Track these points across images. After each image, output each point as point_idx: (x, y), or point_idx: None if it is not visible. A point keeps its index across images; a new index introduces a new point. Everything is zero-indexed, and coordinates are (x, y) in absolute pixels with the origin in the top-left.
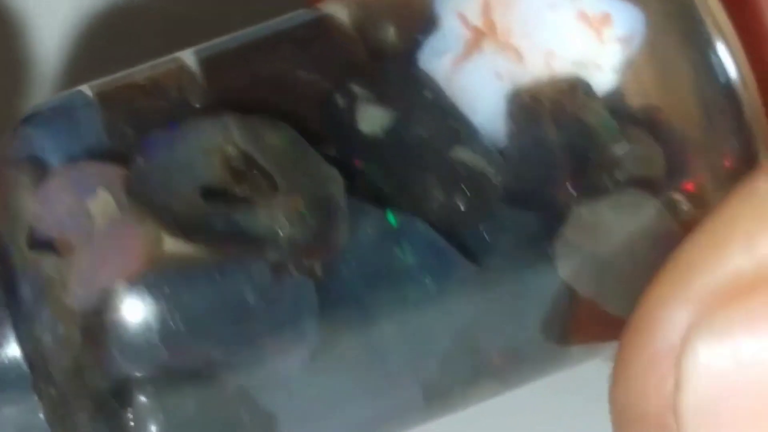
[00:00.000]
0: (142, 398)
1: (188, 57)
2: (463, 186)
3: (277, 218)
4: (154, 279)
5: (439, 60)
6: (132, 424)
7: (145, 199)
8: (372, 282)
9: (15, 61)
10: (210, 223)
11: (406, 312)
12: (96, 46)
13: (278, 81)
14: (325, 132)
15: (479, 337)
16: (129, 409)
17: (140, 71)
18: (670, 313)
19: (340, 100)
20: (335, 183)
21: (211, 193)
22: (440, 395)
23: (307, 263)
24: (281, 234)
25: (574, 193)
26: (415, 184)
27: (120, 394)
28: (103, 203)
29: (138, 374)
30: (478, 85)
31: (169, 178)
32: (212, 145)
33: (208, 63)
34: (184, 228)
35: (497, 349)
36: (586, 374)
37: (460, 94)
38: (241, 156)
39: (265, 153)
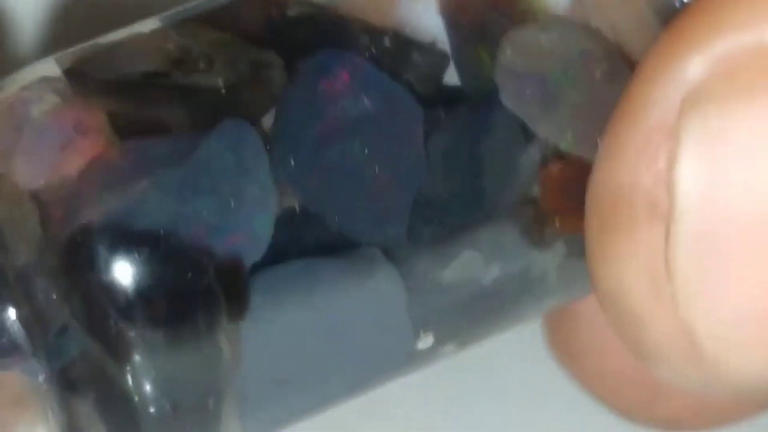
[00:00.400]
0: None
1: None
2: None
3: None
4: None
5: None
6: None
7: (89, 85)
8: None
9: None
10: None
11: None
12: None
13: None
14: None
15: None
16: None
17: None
18: (665, 87)
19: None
20: (273, 58)
21: (153, 77)
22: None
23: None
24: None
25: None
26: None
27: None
28: (47, 104)
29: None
30: None
31: (111, 70)
32: (153, 44)
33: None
34: (123, 97)
35: None
36: None
37: None
38: (179, 48)
39: (203, 42)
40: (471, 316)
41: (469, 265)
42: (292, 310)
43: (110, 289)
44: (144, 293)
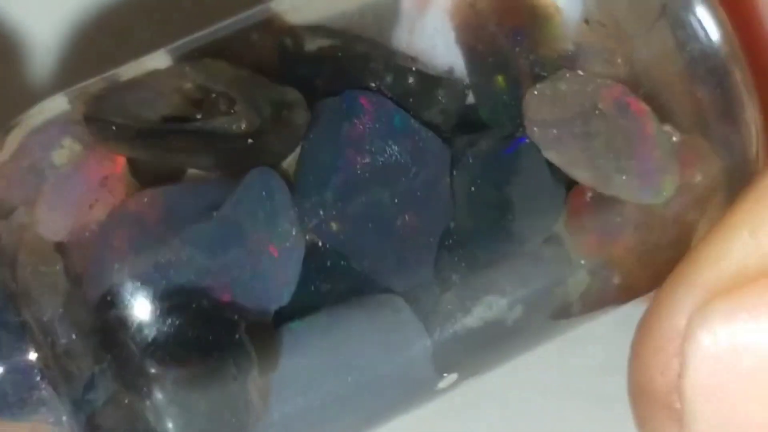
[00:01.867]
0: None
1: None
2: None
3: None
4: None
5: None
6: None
7: (108, 131)
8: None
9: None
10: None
11: None
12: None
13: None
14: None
15: None
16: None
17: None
18: (680, 300)
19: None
20: (295, 96)
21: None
22: None
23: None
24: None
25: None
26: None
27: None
28: (68, 150)
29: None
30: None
31: (130, 114)
32: (169, 84)
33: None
34: (146, 145)
35: None
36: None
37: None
38: (197, 88)
39: (220, 81)
40: (493, 354)
41: (492, 308)
42: (319, 360)
43: (141, 350)
44: (175, 353)
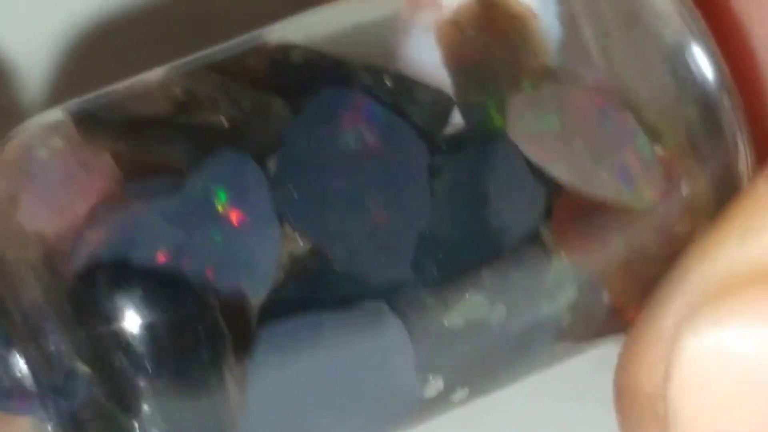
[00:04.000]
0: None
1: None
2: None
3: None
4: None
5: None
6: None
7: (94, 128)
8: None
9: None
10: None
11: None
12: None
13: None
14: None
15: None
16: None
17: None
18: (667, 305)
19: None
20: (279, 99)
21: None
22: None
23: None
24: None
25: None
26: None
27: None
28: (53, 145)
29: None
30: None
31: (116, 113)
32: (159, 90)
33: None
34: (128, 136)
35: None
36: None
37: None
38: (185, 92)
39: (208, 87)
40: (481, 360)
41: (474, 307)
42: (298, 360)
43: (112, 324)
44: (148, 328)
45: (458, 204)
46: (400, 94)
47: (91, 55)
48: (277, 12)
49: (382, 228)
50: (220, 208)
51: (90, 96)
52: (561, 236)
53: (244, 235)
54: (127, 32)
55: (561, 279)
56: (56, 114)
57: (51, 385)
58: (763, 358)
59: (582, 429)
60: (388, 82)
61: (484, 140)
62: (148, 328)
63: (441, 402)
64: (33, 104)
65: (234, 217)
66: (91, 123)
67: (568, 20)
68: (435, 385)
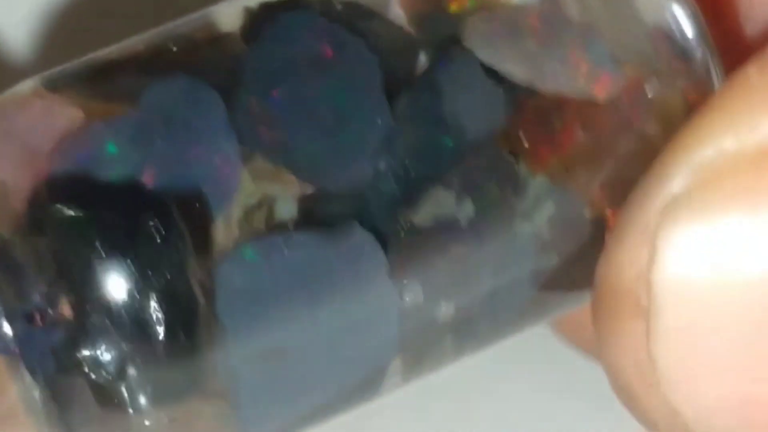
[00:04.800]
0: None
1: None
2: None
3: None
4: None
5: None
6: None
7: (62, 85)
8: None
9: None
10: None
11: None
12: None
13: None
14: None
15: None
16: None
17: None
18: (654, 190)
19: None
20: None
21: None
22: None
23: None
24: None
25: None
26: None
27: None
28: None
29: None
30: None
31: (82, 69)
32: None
33: None
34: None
35: None
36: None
37: None
38: (151, 46)
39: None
40: (460, 270)
41: (440, 203)
42: (270, 283)
43: (79, 240)
44: (107, 237)
45: (417, 105)
46: (355, 18)
47: (73, 31)
48: None
49: (341, 136)
50: (174, 125)
51: (64, 66)
52: (527, 139)
53: (203, 151)
54: (110, 8)
55: (530, 183)
56: (29, 82)
57: (35, 349)
58: (753, 247)
59: (581, 428)
60: (340, 8)
61: (441, 47)
62: (102, 225)
63: (426, 321)
64: (11, 70)
65: (189, 134)
66: (58, 80)
67: None
68: (413, 292)
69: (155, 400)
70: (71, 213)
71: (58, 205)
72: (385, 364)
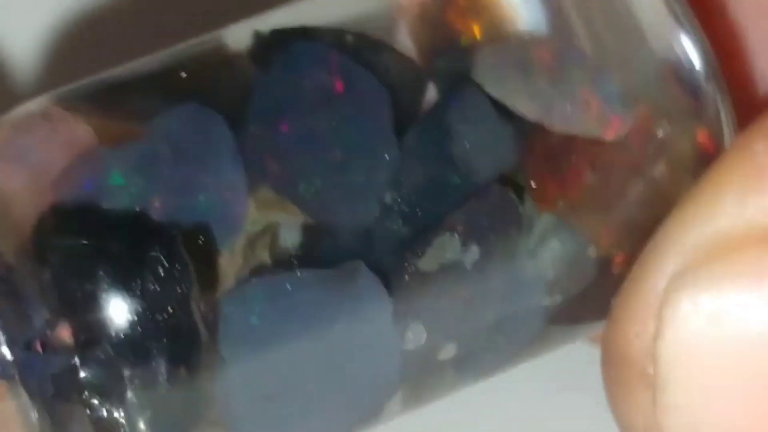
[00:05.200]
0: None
1: None
2: None
3: None
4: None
5: None
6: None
7: (73, 103)
8: None
9: None
10: None
11: None
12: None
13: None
14: None
15: None
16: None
17: None
18: (660, 262)
19: None
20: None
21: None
22: None
23: None
24: None
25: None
26: None
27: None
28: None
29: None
30: None
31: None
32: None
33: None
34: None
35: None
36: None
37: None
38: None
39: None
40: (464, 311)
41: (446, 248)
42: (273, 321)
43: (77, 257)
44: (110, 266)
45: (426, 142)
46: (365, 50)
47: (82, 47)
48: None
49: (349, 172)
50: (182, 155)
51: (75, 84)
52: (535, 178)
53: (210, 181)
54: (118, 25)
55: (536, 221)
56: (41, 99)
57: (30, 365)
58: (759, 322)
59: (580, 426)
60: (351, 39)
61: (451, 82)
62: (104, 251)
63: (428, 360)
64: (21, 89)
65: (197, 164)
66: (69, 98)
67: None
68: (416, 335)
69: (154, 429)
70: (75, 241)
71: (63, 234)
72: (384, 402)
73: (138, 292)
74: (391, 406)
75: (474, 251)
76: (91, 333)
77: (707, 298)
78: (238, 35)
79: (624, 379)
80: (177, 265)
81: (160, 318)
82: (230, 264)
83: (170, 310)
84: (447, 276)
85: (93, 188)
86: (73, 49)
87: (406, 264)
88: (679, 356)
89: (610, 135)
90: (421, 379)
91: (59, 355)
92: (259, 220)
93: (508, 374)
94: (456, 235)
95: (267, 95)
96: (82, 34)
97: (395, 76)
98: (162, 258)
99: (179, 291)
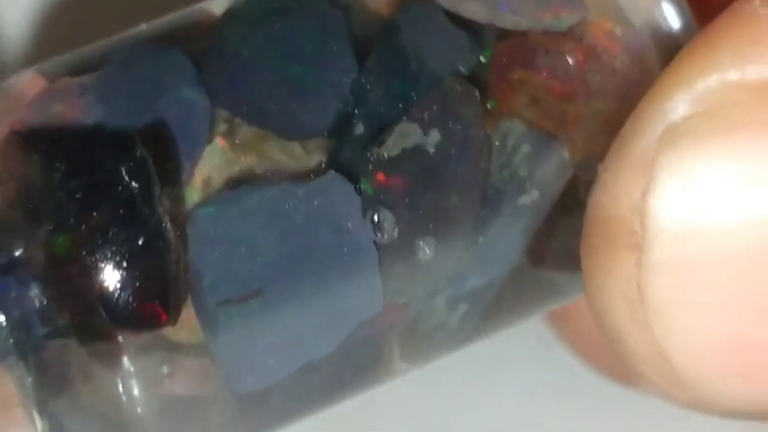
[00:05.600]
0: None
1: None
2: None
3: None
4: None
5: None
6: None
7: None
8: None
9: None
10: None
11: None
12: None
13: None
14: None
15: None
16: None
17: None
18: (651, 118)
19: None
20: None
21: None
22: None
23: None
24: None
25: None
26: None
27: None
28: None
29: None
30: None
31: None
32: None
33: None
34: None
35: None
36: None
37: None
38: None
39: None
40: (436, 202)
41: (407, 133)
42: (245, 219)
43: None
44: (78, 179)
45: (382, 55)
46: None
47: (71, 20)
48: None
49: (304, 80)
50: (142, 79)
51: (60, 56)
52: (494, 75)
53: (169, 102)
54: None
55: (503, 124)
56: (27, 72)
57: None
58: (757, 183)
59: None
60: None
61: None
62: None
63: (405, 257)
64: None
65: (156, 87)
66: (55, 70)
67: None
68: (386, 225)
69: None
70: (41, 156)
71: (29, 152)
72: (372, 311)
73: (105, 195)
74: (391, 358)
75: (435, 135)
76: (63, 247)
77: (703, 152)
78: (223, 3)
79: (606, 242)
80: (141, 177)
81: (131, 221)
82: (201, 192)
83: (140, 215)
84: (411, 161)
85: (56, 109)
86: (61, 21)
87: (369, 153)
88: (670, 212)
89: (557, 24)
90: (404, 285)
91: (35, 275)
92: (234, 160)
93: (507, 375)
94: (416, 124)
95: (228, 25)
96: (71, 7)
97: None
98: (123, 167)
99: (144, 191)
